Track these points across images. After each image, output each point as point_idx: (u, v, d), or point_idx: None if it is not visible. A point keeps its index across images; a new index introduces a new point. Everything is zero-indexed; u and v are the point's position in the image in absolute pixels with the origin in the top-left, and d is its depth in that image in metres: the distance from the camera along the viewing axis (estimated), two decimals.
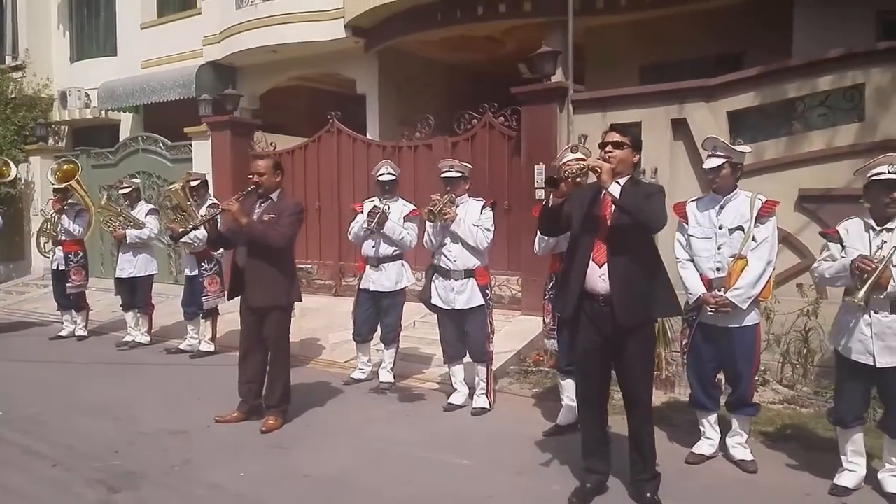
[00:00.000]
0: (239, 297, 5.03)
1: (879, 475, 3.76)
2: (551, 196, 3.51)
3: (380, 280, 5.90)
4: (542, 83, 7.22)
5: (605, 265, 3.48)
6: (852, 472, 3.78)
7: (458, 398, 5.45)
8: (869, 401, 3.81)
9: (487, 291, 5.23)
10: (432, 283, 5.31)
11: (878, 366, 3.55)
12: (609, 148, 3.54)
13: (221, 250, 6.23)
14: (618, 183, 3.42)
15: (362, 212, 5.90)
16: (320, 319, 8.28)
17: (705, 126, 6.38)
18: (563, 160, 4.62)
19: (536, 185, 7.25)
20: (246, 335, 5.02)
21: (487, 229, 5.21)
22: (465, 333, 5.29)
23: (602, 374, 3.68)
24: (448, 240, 5.22)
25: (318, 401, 5.61)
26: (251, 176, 4.85)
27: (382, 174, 5.96)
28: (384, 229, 5.75)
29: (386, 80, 11.79)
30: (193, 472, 4.18)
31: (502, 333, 7.02)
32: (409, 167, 8.52)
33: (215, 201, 7.25)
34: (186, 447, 4.61)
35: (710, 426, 4.27)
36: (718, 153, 4.08)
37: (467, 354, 5.42)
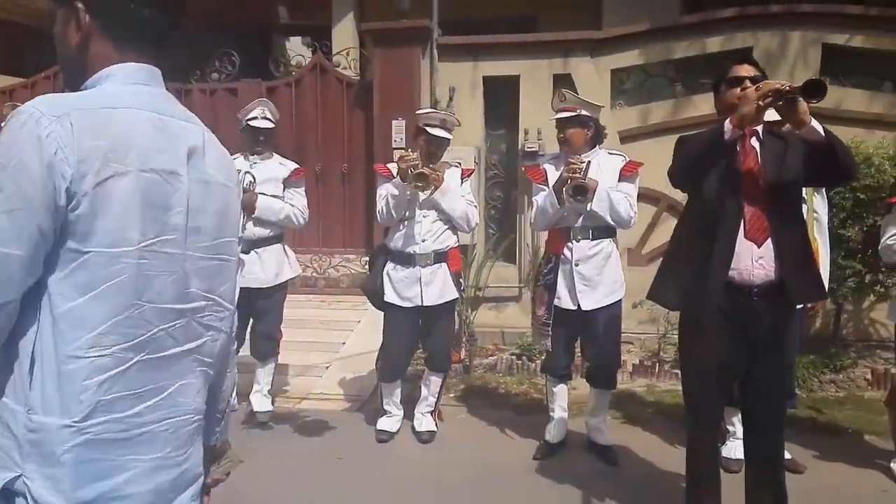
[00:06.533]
0: None
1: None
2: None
3: (253, 271, 4.14)
4: (400, 21, 5.98)
5: (767, 243, 2.58)
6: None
7: (391, 423, 4.10)
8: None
9: (461, 280, 3.95)
10: (385, 273, 3.88)
11: None
12: (747, 84, 2.62)
13: None
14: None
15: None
16: None
17: (589, 82, 5.83)
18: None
19: (395, 146, 6.00)
20: None
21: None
22: (419, 338, 3.99)
23: (730, 390, 2.82)
24: (418, 212, 3.82)
25: None
26: None
27: (255, 116, 4.15)
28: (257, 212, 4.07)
29: None
30: None
31: (363, 325, 5.78)
32: (204, 118, 6.52)
33: None
34: None
35: None
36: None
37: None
